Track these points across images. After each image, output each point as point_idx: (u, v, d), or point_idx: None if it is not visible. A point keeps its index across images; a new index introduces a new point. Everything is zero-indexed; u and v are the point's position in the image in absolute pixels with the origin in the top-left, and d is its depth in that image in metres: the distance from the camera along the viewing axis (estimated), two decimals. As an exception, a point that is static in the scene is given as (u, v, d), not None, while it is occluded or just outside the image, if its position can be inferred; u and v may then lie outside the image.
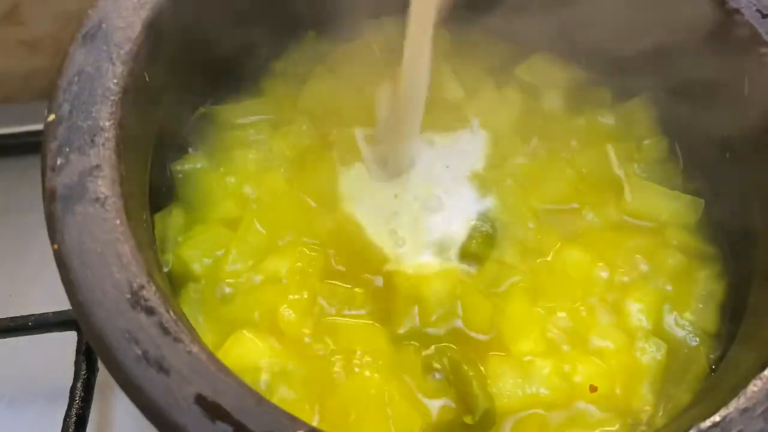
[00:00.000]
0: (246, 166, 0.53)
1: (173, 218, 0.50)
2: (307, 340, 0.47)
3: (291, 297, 0.48)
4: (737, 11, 0.50)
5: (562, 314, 0.49)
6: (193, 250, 0.49)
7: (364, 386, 0.45)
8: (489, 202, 0.53)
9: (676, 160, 0.57)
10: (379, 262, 0.50)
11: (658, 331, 0.49)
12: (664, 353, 0.48)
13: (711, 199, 0.54)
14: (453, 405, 0.45)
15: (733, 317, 0.49)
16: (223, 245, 0.49)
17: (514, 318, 0.48)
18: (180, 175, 0.52)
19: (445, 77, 0.59)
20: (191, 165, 0.53)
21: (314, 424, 0.43)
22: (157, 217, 0.49)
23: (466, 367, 0.46)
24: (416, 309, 0.48)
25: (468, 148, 0.56)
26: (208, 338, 0.46)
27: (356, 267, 0.50)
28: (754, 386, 0.38)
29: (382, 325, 0.48)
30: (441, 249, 0.51)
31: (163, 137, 0.50)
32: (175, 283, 0.48)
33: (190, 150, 0.54)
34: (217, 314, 0.47)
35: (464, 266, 0.50)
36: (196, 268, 0.48)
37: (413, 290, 0.48)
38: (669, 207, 0.53)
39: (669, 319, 0.49)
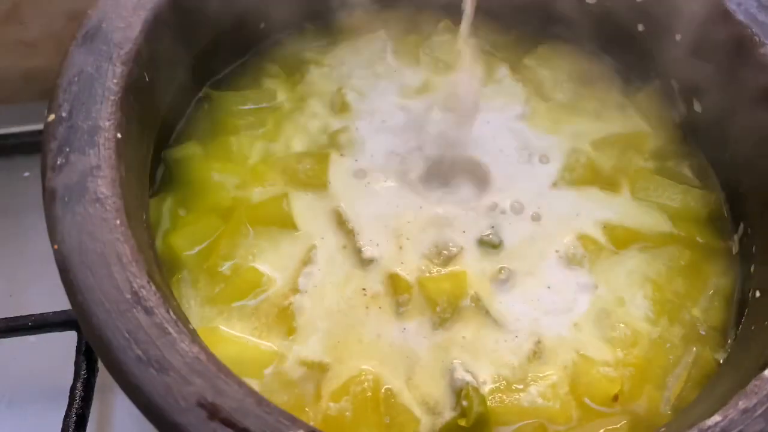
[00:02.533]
0: (241, 155, 0.53)
1: (166, 205, 0.50)
2: (296, 335, 0.47)
3: (278, 286, 0.48)
4: (736, 11, 0.50)
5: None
6: (183, 239, 0.49)
7: (360, 384, 0.45)
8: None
9: (687, 153, 0.57)
10: (374, 259, 0.50)
11: (665, 327, 0.49)
12: (671, 349, 0.48)
13: (721, 194, 0.54)
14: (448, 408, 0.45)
15: (739, 313, 0.50)
16: (213, 235, 0.49)
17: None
18: (175, 163, 0.52)
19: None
20: (186, 153, 0.53)
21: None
22: (151, 202, 0.49)
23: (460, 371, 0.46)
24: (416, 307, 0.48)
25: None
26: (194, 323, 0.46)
27: (349, 262, 0.50)
28: (754, 386, 0.38)
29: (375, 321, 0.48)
30: (442, 249, 0.50)
31: (162, 130, 0.50)
32: (163, 267, 0.48)
33: (185, 138, 0.54)
34: (203, 301, 0.47)
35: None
36: (185, 255, 0.48)
37: (414, 288, 0.48)
38: (678, 200, 0.54)
39: (676, 315, 0.49)
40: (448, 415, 0.45)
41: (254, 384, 0.45)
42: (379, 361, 0.46)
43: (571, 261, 0.51)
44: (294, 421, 0.35)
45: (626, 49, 0.59)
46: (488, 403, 0.45)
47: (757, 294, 0.48)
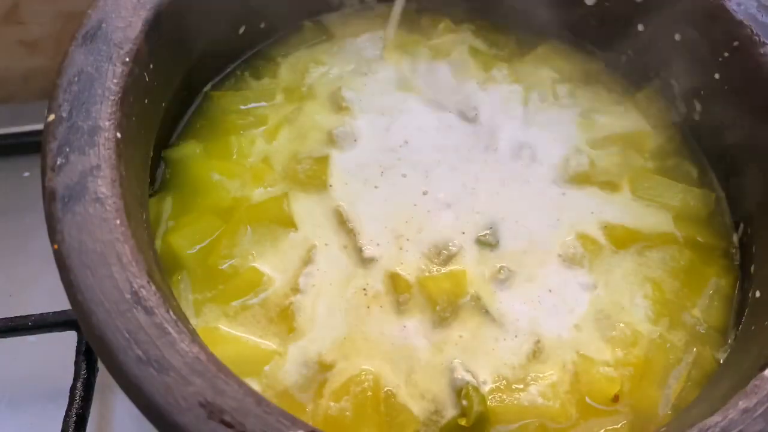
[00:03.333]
0: (241, 155, 0.53)
1: (165, 204, 0.50)
2: (296, 335, 0.47)
3: (279, 285, 0.48)
4: (736, 11, 0.50)
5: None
6: (183, 238, 0.49)
7: (360, 384, 0.45)
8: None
9: (687, 153, 0.57)
10: (374, 259, 0.50)
11: (665, 327, 0.49)
12: (671, 349, 0.48)
13: (721, 194, 0.55)
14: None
15: (739, 313, 0.50)
16: (213, 234, 0.49)
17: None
18: (174, 163, 0.52)
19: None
20: (186, 152, 0.53)
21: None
22: (151, 202, 0.50)
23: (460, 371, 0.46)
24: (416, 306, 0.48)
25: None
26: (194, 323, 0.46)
27: (350, 262, 0.50)
28: (754, 386, 0.38)
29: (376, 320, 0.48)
30: (442, 249, 0.50)
31: (162, 130, 0.50)
32: (162, 267, 0.48)
33: (185, 137, 0.54)
34: (203, 301, 0.47)
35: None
36: (185, 255, 0.48)
37: (414, 288, 0.49)
38: (678, 200, 0.54)
39: (676, 315, 0.49)
40: (448, 414, 0.45)
41: (254, 384, 0.45)
42: (379, 360, 0.46)
43: (570, 261, 0.51)
44: (294, 421, 0.35)
45: (626, 49, 0.59)
46: (488, 402, 0.45)
47: (757, 294, 0.48)
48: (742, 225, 0.53)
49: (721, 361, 0.48)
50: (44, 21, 0.69)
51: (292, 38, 0.61)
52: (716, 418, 0.37)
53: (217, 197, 0.51)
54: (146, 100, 0.46)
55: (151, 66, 0.47)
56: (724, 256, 0.53)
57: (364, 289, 0.48)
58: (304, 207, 0.52)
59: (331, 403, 0.44)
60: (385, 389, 0.45)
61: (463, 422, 0.44)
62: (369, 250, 0.50)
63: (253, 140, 0.54)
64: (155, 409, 0.34)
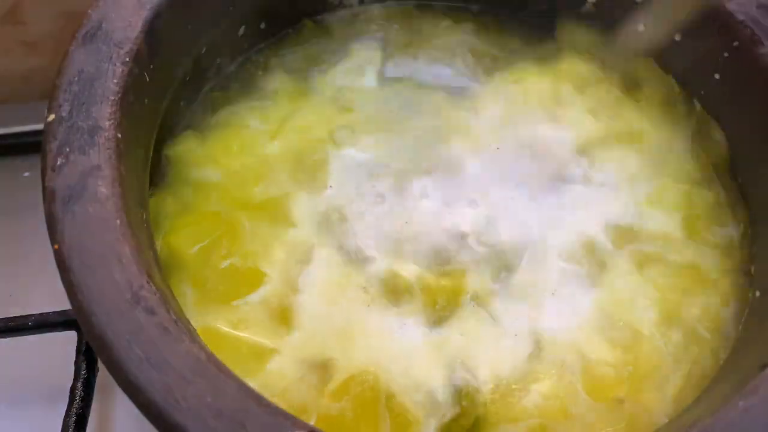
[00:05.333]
0: (242, 154, 0.53)
1: (165, 204, 0.50)
2: (296, 334, 0.47)
3: (278, 285, 0.48)
4: (736, 11, 0.50)
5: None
6: (182, 238, 0.49)
7: (360, 384, 0.45)
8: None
9: (688, 154, 0.57)
10: (374, 258, 0.50)
11: (665, 327, 0.49)
12: (671, 349, 0.48)
13: (722, 193, 0.55)
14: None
15: (740, 313, 0.49)
16: (213, 234, 0.49)
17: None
18: (175, 162, 0.52)
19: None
20: (186, 152, 0.53)
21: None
22: (151, 201, 0.49)
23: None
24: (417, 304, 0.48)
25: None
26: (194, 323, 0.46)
27: (349, 261, 0.50)
28: (754, 386, 0.38)
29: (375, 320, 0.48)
30: (442, 249, 0.50)
31: (162, 129, 0.50)
32: (162, 267, 0.48)
33: (186, 137, 0.54)
34: (203, 300, 0.47)
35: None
36: (184, 255, 0.48)
37: (414, 287, 0.49)
38: (679, 200, 0.54)
39: (676, 314, 0.49)
40: (447, 414, 0.45)
41: (254, 383, 0.45)
42: (379, 360, 0.46)
43: (571, 260, 0.51)
44: (294, 421, 0.35)
45: (626, 49, 0.59)
46: (488, 402, 0.45)
47: (757, 294, 0.48)
48: (741, 225, 0.53)
49: (721, 361, 0.48)
50: (44, 21, 0.69)
51: (292, 38, 0.61)
52: (716, 418, 0.37)
53: (217, 197, 0.51)
54: (146, 100, 0.46)
55: (151, 66, 0.47)
56: (725, 255, 0.53)
57: (364, 288, 0.48)
58: (304, 207, 0.52)
59: (331, 403, 0.44)
60: (385, 389, 0.45)
61: (462, 422, 0.44)
62: (369, 250, 0.50)
63: (253, 140, 0.54)
64: (155, 409, 0.34)
